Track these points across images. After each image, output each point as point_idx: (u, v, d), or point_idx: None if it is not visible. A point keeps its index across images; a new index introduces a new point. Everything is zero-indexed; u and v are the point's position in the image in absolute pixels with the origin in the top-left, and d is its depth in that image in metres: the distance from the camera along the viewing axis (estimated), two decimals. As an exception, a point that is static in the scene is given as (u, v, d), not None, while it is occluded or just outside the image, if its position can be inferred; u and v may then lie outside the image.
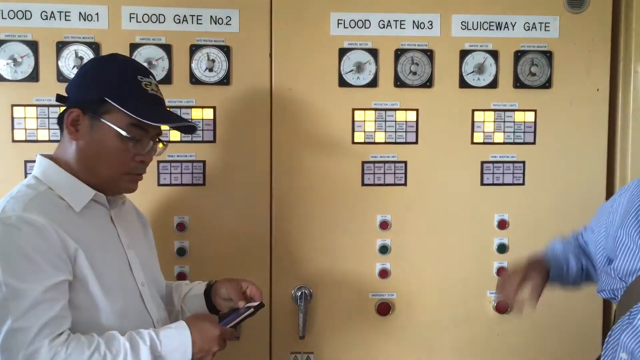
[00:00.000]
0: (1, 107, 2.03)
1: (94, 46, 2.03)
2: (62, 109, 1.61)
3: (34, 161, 1.99)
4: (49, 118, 2.03)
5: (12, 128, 2.04)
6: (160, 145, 1.67)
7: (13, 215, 1.42)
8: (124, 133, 1.53)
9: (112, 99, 1.52)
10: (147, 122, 1.54)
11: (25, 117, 2.04)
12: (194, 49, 2.07)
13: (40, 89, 2.03)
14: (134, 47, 2.05)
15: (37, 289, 1.38)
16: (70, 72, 2.03)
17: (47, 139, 2.04)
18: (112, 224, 1.63)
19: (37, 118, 2.04)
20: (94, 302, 1.50)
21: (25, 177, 2.02)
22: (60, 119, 1.58)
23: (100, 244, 1.55)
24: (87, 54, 2.03)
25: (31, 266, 1.39)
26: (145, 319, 1.62)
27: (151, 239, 1.83)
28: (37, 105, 2.04)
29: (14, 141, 2.04)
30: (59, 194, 1.53)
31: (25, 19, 2.03)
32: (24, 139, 2.04)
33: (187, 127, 1.72)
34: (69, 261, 1.45)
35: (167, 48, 2.06)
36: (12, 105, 2.03)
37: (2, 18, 2.02)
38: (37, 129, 2.04)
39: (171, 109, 2.05)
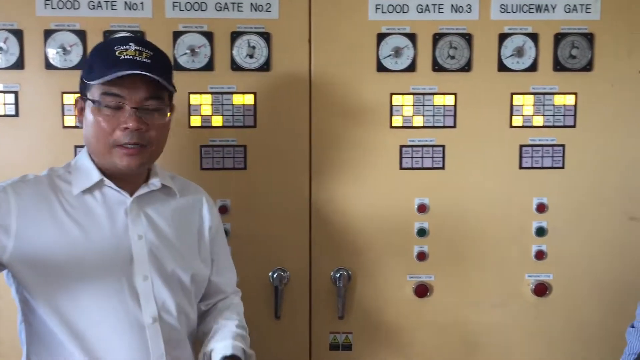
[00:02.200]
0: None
1: (139, 34, 2.09)
2: None
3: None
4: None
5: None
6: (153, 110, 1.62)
7: (5, 183, 1.61)
8: (97, 103, 1.58)
9: (86, 77, 1.61)
10: (96, 82, 1.57)
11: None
12: (234, 36, 2.12)
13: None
14: (177, 35, 2.10)
15: None
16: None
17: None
18: (122, 213, 1.65)
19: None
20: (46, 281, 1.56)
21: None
22: None
23: (88, 229, 1.59)
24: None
25: None
26: (129, 311, 1.60)
27: (204, 238, 1.80)
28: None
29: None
30: (69, 179, 1.65)
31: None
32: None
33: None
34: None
35: (209, 35, 2.11)
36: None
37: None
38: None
39: (218, 95, 2.12)
